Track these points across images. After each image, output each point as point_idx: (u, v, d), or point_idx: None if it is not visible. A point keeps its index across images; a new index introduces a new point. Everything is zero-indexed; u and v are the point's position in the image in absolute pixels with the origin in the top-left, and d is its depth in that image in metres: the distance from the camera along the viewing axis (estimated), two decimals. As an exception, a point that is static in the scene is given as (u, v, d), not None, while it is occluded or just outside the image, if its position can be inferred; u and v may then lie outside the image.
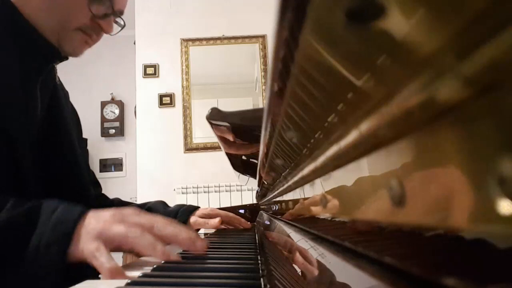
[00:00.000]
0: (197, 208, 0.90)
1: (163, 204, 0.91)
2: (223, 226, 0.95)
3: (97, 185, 0.94)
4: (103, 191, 0.97)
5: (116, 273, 0.42)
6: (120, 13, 0.74)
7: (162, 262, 0.46)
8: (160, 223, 0.49)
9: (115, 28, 0.78)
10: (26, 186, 0.60)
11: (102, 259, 0.43)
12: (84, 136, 0.93)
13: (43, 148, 0.67)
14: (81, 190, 0.75)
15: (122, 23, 0.78)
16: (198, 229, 0.89)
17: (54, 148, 0.70)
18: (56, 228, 0.45)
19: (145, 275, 0.38)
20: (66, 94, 0.85)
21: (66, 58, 0.73)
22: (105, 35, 0.76)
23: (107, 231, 0.46)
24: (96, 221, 0.47)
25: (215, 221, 0.87)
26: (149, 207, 0.87)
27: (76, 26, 0.68)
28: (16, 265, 0.44)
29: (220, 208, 0.99)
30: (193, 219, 0.87)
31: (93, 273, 0.44)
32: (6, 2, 0.64)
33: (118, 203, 0.91)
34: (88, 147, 0.95)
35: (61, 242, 0.45)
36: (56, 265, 0.44)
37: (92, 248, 0.44)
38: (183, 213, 0.87)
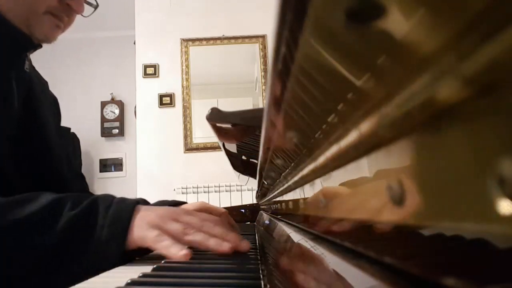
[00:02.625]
0: (181, 203, 0.82)
1: (143, 201, 0.88)
2: None
3: (81, 179, 0.91)
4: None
5: (184, 253, 0.46)
6: None
7: (162, 262, 0.46)
8: (210, 222, 0.54)
9: (89, 9, 0.76)
10: (4, 179, 0.60)
11: (166, 242, 0.48)
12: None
13: (20, 140, 0.65)
14: (59, 181, 0.73)
15: (94, 3, 0.76)
16: None
17: (30, 140, 0.68)
18: (114, 223, 0.50)
19: (145, 275, 0.38)
20: (44, 83, 0.82)
21: (40, 46, 0.71)
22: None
23: (163, 224, 0.50)
24: (152, 213, 0.52)
25: None
26: None
27: (45, 9, 0.65)
28: (80, 262, 0.48)
29: None
30: None
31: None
32: None
33: None
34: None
35: (120, 235, 0.49)
36: (117, 255, 0.49)
37: (154, 234, 0.49)
38: None
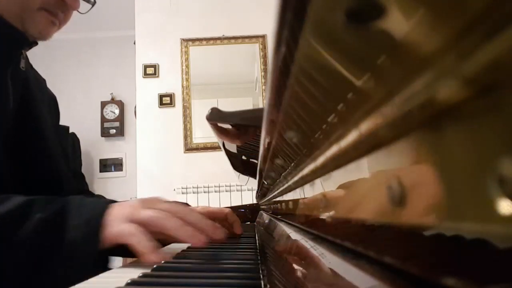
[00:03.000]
0: (182, 205, 0.83)
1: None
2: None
3: (80, 178, 0.90)
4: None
5: (152, 250, 0.45)
6: None
7: (162, 262, 0.46)
8: (185, 209, 0.52)
9: (86, 6, 0.74)
10: (0, 178, 0.60)
11: (137, 237, 0.46)
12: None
13: (15, 139, 0.64)
14: (56, 181, 0.71)
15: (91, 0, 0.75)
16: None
17: (26, 139, 0.67)
18: (87, 222, 0.48)
19: (145, 275, 0.38)
20: (42, 81, 0.81)
21: (36, 43, 0.69)
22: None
23: (136, 215, 0.48)
24: (123, 207, 0.50)
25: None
26: None
27: (39, 5, 0.64)
28: (52, 264, 0.46)
29: None
30: None
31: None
32: None
33: None
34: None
35: (94, 234, 0.47)
36: (91, 255, 0.47)
37: (128, 228, 0.47)
38: None
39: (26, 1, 0.63)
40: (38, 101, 0.73)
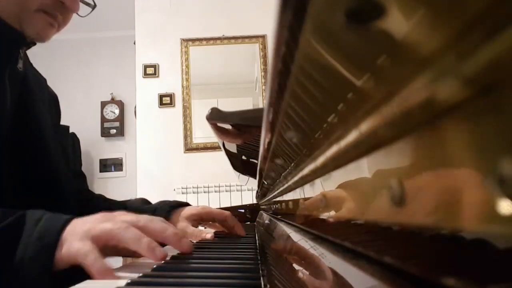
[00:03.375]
0: (183, 204, 0.80)
1: (142, 201, 0.85)
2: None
3: (81, 177, 0.89)
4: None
5: (105, 273, 0.41)
6: None
7: (162, 262, 0.46)
8: (145, 219, 0.49)
9: (86, 9, 0.74)
10: None
11: (90, 258, 0.42)
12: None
13: (14, 138, 0.64)
14: (56, 181, 0.70)
15: (92, 3, 0.74)
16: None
17: (25, 138, 0.66)
18: (41, 239, 0.44)
19: (145, 275, 0.38)
20: (42, 81, 0.80)
21: (34, 44, 0.69)
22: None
23: (93, 229, 0.45)
24: (82, 223, 0.46)
25: (210, 235, 0.72)
26: (126, 206, 0.80)
27: (38, 6, 0.63)
28: (2, 279, 0.43)
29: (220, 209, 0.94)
30: (183, 223, 0.74)
31: (83, 277, 0.43)
32: None
33: (100, 201, 0.86)
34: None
35: (46, 252, 0.43)
36: (43, 276, 0.43)
37: (80, 246, 0.43)
38: (161, 209, 0.76)
39: (24, 2, 0.62)
40: (38, 100, 0.72)
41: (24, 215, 0.47)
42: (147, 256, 0.45)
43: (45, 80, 0.82)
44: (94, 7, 0.75)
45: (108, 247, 0.46)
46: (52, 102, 0.83)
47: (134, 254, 0.49)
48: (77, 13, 0.70)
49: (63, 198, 0.67)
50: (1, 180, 0.59)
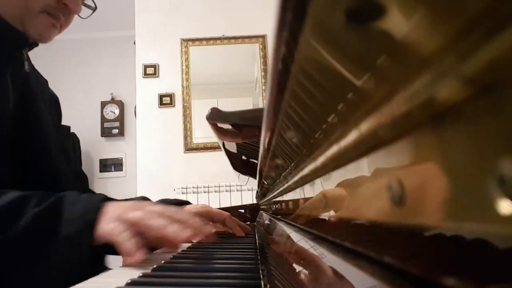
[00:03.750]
0: (184, 202, 0.82)
1: (143, 199, 0.85)
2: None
3: (82, 178, 0.90)
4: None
5: (134, 252, 0.46)
6: None
7: (163, 262, 0.46)
8: (172, 210, 0.54)
9: (87, 12, 0.75)
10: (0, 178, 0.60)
11: (122, 237, 0.47)
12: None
13: (15, 138, 0.65)
14: (57, 181, 0.71)
15: (93, 5, 0.75)
16: None
17: (26, 136, 0.68)
18: (83, 216, 0.49)
19: (145, 275, 0.38)
20: (43, 81, 0.82)
21: (36, 45, 0.70)
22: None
23: (124, 215, 0.50)
24: (116, 207, 0.51)
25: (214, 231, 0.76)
26: None
27: (41, 7, 0.64)
28: (48, 258, 0.47)
29: (220, 209, 0.94)
30: None
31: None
32: None
33: None
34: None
35: (88, 228, 0.48)
36: (86, 250, 0.48)
37: (113, 226, 0.48)
38: None
39: (27, 3, 0.63)
40: (39, 101, 0.73)
41: (62, 195, 0.52)
42: (174, 241, 0.50)
43: (46, 81, 0.83)
44: (95, 9, 0.76)
45: (137, 234, 0.49)
46: (53, 103, 0.84)
47: (161, 244, 0.55)
48: (78, 15, 0.71)
49: None
50: (2, 180, 0.60)
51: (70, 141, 0.89)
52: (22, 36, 0.65)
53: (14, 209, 0.48)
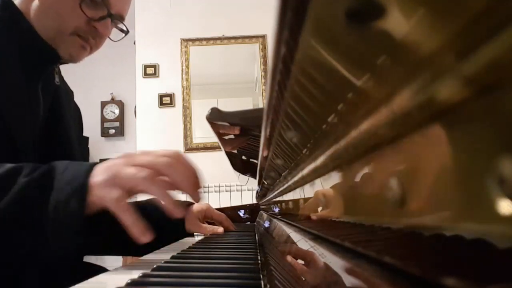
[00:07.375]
0: (189, 203, 0.86)
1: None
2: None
3: None
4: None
5: (141, 229, 0.46)
6: (119, 18, 0.74)
7: (163, 262, 0.46)
8: (169, 164, 0.50)
9: (118, 34, 0.79)
10: None
11: (117, 204, 0.46)
12: (84, 136, 0.93)
13: (43, 147, 0.68)
14: None
15: (124, 28, 0.78)
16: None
17: (53, 146, 0.71)
18: (71, 182, 0.48)
19: (145, 275, 0.38)
20: (70, 93, 0.86)
21: (67, 61, 0.74)
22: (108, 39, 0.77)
23: (119, 174, 0.48)
24: (104, 168, 0.50)
25: (221, 229, 0.85)
26: (143, 206, 0.84)
27: (72, 30, 0.68)
28: (40, 226, 0.46)
29: (219, 209, 0.97)
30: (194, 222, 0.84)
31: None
32: (10, 6, 0.66)
33: None
34: (88, 147, 0.95)
35: (77, 195, 0.47)
36: (78, 216, 0.46)
37: (114, 196, 0.47)
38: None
39: (59, 26, 0.67)
40: (66, 113, 0.77)
41: (53, 165, 0.51)
42: (167, 208, 0.48)
43: (72, 92, 0.88)
44: (127, 32, 0.80)
45: (132, 191, 0.49)
46: (76, 114, 0.88)
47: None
48: (109, 37, 0.75)
49: None
50: None
51: (88, 152, 0.94)
52: (55, 54, 0.69)
53: (6, 179, 0.48)
